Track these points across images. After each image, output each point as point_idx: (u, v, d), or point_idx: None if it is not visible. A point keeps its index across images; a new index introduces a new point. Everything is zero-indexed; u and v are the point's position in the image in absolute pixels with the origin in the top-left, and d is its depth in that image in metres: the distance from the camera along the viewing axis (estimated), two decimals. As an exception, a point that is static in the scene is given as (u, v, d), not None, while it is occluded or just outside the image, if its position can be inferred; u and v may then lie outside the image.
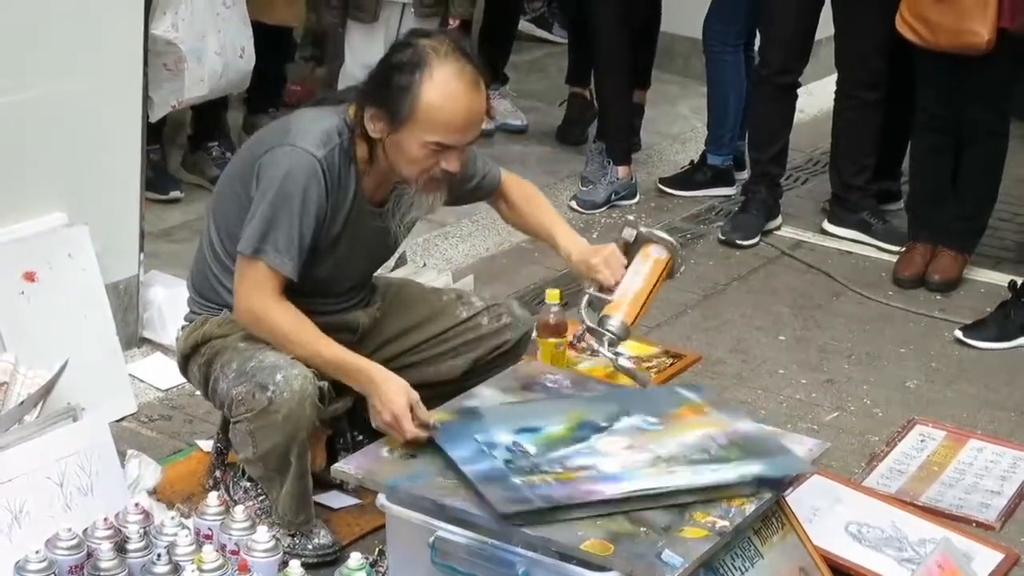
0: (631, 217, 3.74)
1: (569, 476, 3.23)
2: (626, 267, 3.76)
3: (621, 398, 3.62)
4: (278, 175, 3.43)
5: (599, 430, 3.43)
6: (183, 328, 3.73)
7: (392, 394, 3.41)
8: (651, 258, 3.79)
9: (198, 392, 4.21)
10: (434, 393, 3.63)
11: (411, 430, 3.37)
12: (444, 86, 3.37)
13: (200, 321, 3.67)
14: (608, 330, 3.70)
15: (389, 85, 3.40)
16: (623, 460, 3.31)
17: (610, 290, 3.73)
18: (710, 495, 3.20)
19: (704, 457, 3.32)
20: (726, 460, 3.30)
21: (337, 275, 3.65)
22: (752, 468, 3.27)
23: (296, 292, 3.52)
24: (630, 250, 3.81)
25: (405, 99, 3.37)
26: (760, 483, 3.26)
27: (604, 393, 3.68)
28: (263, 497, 3.68)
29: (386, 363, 3.60)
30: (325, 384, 3.50)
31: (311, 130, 3.48)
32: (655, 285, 3.78)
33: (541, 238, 3.96)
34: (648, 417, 3.49)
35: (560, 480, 3.21)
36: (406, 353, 3.79)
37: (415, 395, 3.43)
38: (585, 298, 3.77)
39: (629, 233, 3.82)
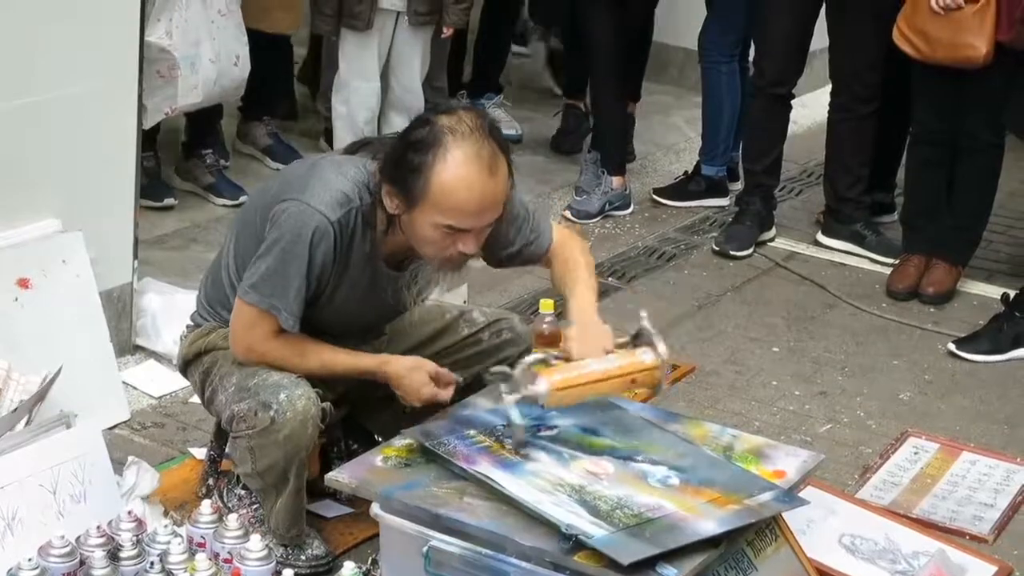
0: (644, 312, 3.57)
1: (495, 449, 3.34)
2: (607, 354, 3.45)
3: (701, 458, 3.43)
4: (289, 233, 3.39)
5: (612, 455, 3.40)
6: (188, 329, 3.73)
7: (416, 383, 3.52)
8: (633, 357, 3.45)
9: (192, 399, 4.23)
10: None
11: (446, 397, 3.52)
12: (458, 169, 3.27)
13: (207, 328, 3.66)
14: (530, 387, 3.35)
15: (403, 163, 3.32)
16: (556, 471, 3.29)
17: (566, 360, 3.42)
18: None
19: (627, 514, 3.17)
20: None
21: (339, 326, 3.62)
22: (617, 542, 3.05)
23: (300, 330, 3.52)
24: (631, 344, 3.50)
25: (418, 180, 3.28)
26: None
27: (686, 449, 3.47)
28: (257, 505, 3.67)
29: None
30: (328, 405, 3.49)
31: (332, 189, 3.41)
32: (615, 379, 3.41)
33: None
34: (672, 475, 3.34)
35: (488, 450, 3.32)
36: None
37: (431, 365, 3.53)
38: (539, 356, 3.46)
39: (633, 326, 3.50)
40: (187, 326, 3.75)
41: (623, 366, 3.41)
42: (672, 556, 3.03)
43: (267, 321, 3.45)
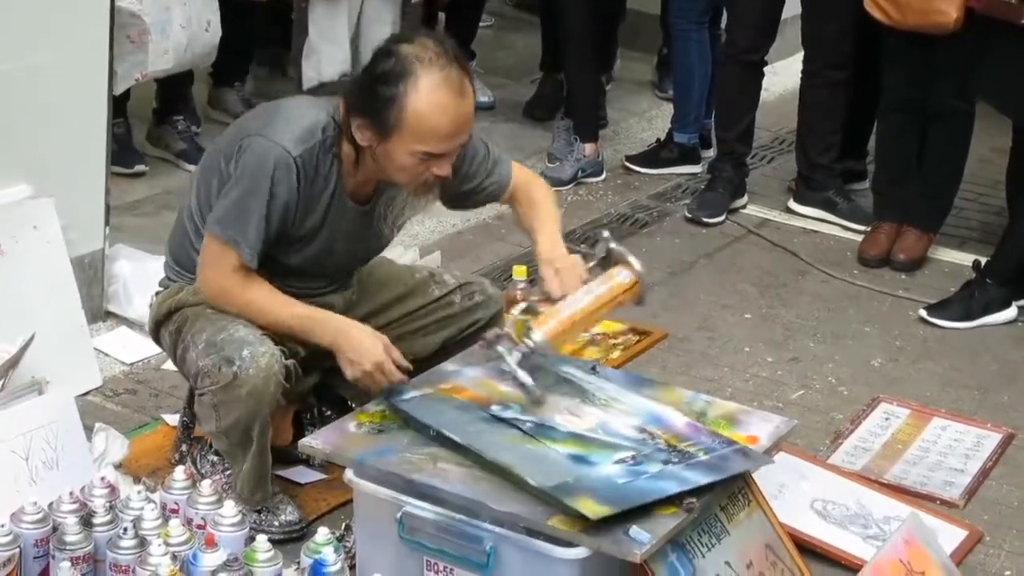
0: (606, 233, 3.62)
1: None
2: (586, 283, 3.55)
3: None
4: (251, 166, 3.42)
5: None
6: (157, 294, 3.72)
7: (368, 344, 3.46)
8: (613, 280, 3.53)
9: (164, 365, 4.22)
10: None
11: (395, 373, 3.44)
12: (430, 96, 3.31)
13: (176, 288, 3.65)
14: (527, 341, 3.42)
15: (374, 97, 3.34)
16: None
17: (553, 302, 3.50)
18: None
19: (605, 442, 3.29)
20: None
21: (313, 266, 3.63)
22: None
23: (271, 274, 3.52)
24: (602, 265, 3.59)
25: (391, 111, 3.32)
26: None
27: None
28: (230, 471, 3.67)
29: None
30: (292, 363, 3.50)
31: (294, 125, 3.44)
32: (603, 307, 3.52)
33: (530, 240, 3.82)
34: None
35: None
36: (379, 331, 3.79)
37: (386, 339, 3.49)
38: (523, 305, 3.55)
39: (601, 248, 3.60)
40: (155, 292, 3.74)
41: (606, 292, 3.50)
42: (644, 520, 3.04)
43: (229, 255, 3.46)
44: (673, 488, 3.13)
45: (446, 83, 3.33)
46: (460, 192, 3.72)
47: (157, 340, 3.75)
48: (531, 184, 3.81)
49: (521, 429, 3.31)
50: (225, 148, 3.54)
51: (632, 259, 3.52)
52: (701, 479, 3.18)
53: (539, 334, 3.40)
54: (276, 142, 3.41)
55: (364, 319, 3.70)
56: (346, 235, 3.61)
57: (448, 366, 3.60)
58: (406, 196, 3.60)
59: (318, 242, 3.57)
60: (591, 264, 3.57)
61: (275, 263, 3.53)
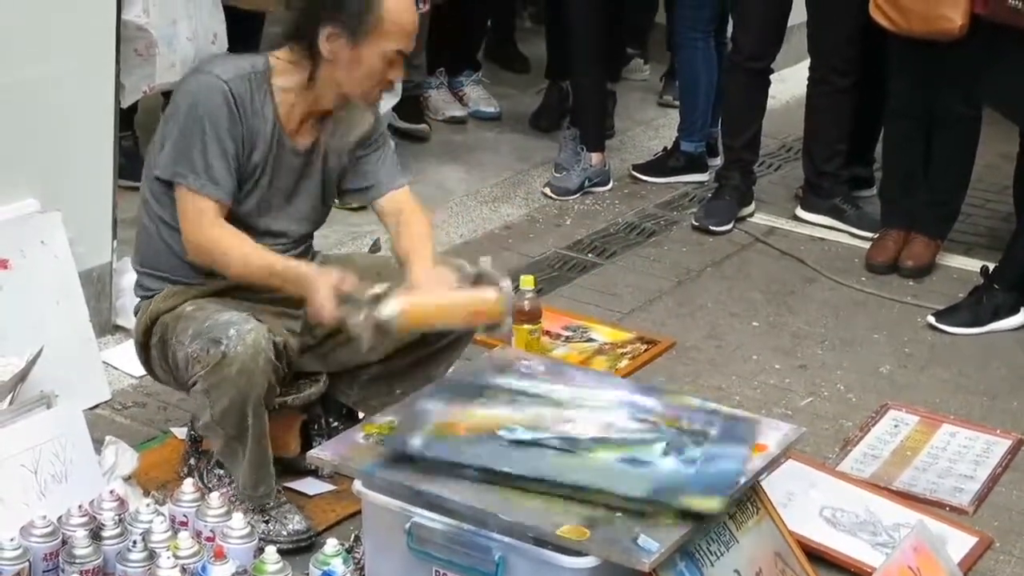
0: (485, 257, 3.66)
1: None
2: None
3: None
4: (185, 101, 3.52)
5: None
6: (135, 317, 3.75)
7: (319, 287, 3.43)
8: (476, 292, 3.57)
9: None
10: (385, 370, 3.79)
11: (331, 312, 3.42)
12: None
13: (146, 305, 3.68)
14: (380, 311, 3.39)
15: (349, 4, 3.48)
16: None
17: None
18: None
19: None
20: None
21: (264, 212, 3.65)
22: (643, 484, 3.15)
23: None
24: (474, 283, 3.62)
25: (369, 15, 3.47)
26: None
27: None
28: (236, 484, 3.67)
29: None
30: (281, 340, 3.53)
31: (226, 60, 3.65)
32: (458, 309, 3.56)
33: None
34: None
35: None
36: None
37: (332, 275, 3.44)
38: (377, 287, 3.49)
39: (475, 268, 3.63)
40: (134, 310, 3.77)
41: (468, 296, 3.56)
42: (652, 528, 3.04)
43: (201, 204, 3.52)
44: (738, 465, 3.24)
45: None
46: (350, 161, 3.75)
47: (149, 366, 3.75)
48: (418, 213, 3.80)
49: (551, 447, 3.30)
50: (164, 117, 3.64)
51: (502, 280, 3.56)
52: (742, 450, 3.30)
53: (390, 306, 3.39)
54: (205, 71, 3.56)
55: None
56: (289, 178, 3.65)
57: (418, 406, 3.51)
58: (346, 114, 3.66)
59: (263, 182, 3.61)
60: (461, 280, 3.60)
61: (236, 220, 3.56)
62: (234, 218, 3.58)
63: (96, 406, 4.22)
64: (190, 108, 3.50)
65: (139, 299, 3.74)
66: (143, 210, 3.69)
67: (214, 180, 3.50)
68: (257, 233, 3.61)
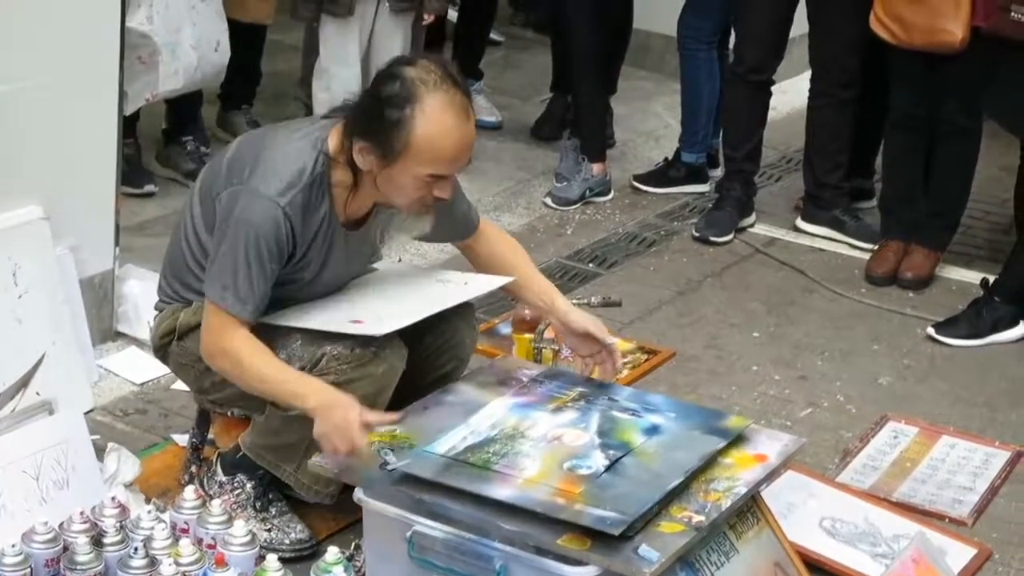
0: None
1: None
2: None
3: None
4: (238, 222, 3.40)
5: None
6: (155, 318, 3.74)
7: (338, 419, 3.34)
8: None
9: (174, 386, 4.23)
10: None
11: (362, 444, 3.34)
12: (437, 120, 3.31)
13: (170, 311, 3.67)
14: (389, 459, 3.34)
15: (380, 120, 3.33)
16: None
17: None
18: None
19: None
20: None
21: (303, 290, 3.62)
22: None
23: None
24: None
25: (398, 135, 3.31)
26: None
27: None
28: (238, 491, 3.68)
29: None
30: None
31: (280, 170, 3.41)
32: None
33: (532, 298, 3.82)
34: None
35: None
36: None
37: (357, 413, 3.34)
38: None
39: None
40: (154, 317, 3.76)
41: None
42: (653, 538, 3.05)
43: (230, 320, 3.42)
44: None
45: (452, 107, 3.33)
46: (440, 220, 3.67)
47: (164, 357, 3.75)
48: (501, 232, 3.86)
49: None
50: (216, 182, 3.52)
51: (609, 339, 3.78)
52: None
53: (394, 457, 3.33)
54: (262, 194, 3.39)
55: None
56: (338, 260, 3.61)
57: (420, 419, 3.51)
58: (404, 219, 3.57)
59: (310, 269, 3.56)
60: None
61: (288, 299, 3.54)
62: (287, 296, 3.55)
63: (97, 412, 4.21)
64: (244, 234, 3.37)
65: (162, 303, 3.73)
66: (182, 231, 3.63)
67: (252, 303, 3.42)
68: (298, 300, 3.61)
